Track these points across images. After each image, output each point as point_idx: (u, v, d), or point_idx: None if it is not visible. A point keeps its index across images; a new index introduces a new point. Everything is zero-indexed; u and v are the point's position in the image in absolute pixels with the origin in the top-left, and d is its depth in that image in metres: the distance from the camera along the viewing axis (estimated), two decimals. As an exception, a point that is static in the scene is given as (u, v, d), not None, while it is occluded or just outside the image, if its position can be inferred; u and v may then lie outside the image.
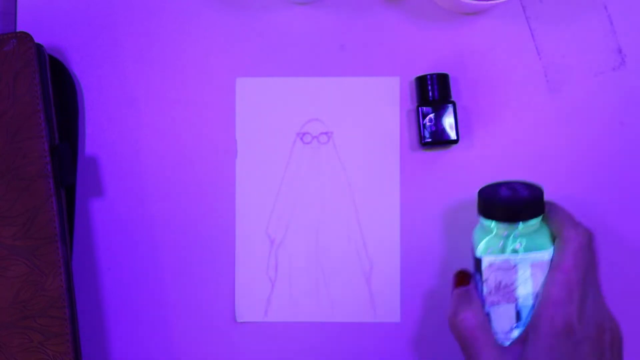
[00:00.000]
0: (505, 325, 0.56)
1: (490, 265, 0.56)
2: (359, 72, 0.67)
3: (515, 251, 0.56)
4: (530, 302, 0.56)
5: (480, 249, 0.57)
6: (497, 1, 0.62)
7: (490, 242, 0.57)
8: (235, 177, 0.66)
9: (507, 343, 0.56)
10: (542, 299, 0.55)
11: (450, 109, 0.65)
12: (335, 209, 0.67)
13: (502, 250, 0.56)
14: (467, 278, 0.59)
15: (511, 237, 0.56)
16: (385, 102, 0.67)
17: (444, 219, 0.67)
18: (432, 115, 0.65)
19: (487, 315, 0.57)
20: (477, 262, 0.57)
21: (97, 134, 0.67)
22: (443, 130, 0.65)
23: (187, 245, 0.67)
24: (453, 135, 0.65)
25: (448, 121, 0.65)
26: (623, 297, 0.66)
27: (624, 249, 0.66)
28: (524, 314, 0.56)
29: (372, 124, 0.67)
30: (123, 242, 0.67)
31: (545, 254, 0.56)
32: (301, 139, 0.67)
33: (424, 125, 0.65)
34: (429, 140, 0.65)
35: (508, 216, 0.55)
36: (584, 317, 0.54)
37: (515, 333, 0.56)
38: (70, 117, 0.66)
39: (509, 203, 0.56)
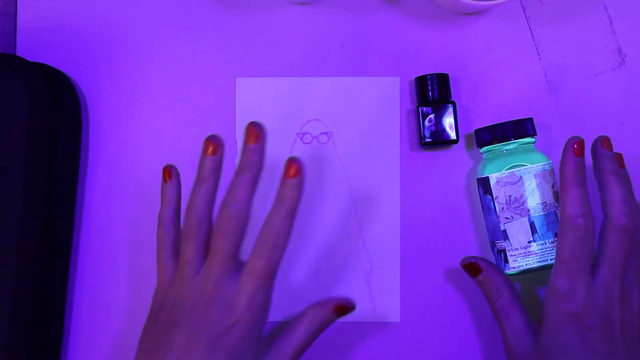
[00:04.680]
0: (523, 240, 0.61)
1: (498, 181, 0.61)
2: (358, 72, 0.67)
3: (517, 166, 0.61)
4: (541, 212, 0.61)
5: (485, 171, 0.63)
6: (497, 1, 0.62)
7: (494, 165, 0.63)
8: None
9: (527, 257, 0.61)
10: (548, 289, 0.57)
11: (450, 109, 0.65)
12: (335, 209, 0.67)
13: (505, 167, 0.62)
14: (478, 267, 0.62)
15: (510, 155, 0.63)
16: (385, 102, 0.67)
17: (444, 219, 0.67)
18: (432, 116, 0.65)
19: (504, 232, 0.61)
20: (485, 183, 0.62)
21: (97, 135, 0.67)
22: (443, 130, 0.65)
23: (187, 245, 0.66)
24: (453, 135, 0.65)
25: (448, 121, 0.65)
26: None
27: (624, 249, 0.66)
28: (538, 225, 0.61)
29: (372, 124, 0.67)
30: (124, 242, 0.67)
31: (546, 165, 0.62)
32: (301, 139, 0.67)
33: (424, 125, 0.65)
34: (429, 140, 0.65)
35: (503, 135, 0.63)
36: (590, 306, 0.56)
37: (534, 246, 0.61)
38: (72, 120, 0.65)
39: (501, 125, 0.63)
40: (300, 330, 0.57)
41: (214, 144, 0.57)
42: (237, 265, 0.56)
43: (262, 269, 0.55)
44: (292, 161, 0.55)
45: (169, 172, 0.60)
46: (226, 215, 0.55)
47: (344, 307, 0.57)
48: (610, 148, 0.59)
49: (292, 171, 0.55)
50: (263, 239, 0.55)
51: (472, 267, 0.62)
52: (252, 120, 0.55)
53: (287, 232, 0.55)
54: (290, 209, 0.55)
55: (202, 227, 0.56)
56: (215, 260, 0.55)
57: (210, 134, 0.57)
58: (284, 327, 0.58)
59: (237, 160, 0.66)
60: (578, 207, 0.57)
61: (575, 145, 0.58)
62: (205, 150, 0.57)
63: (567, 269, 0.56)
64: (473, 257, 0.63)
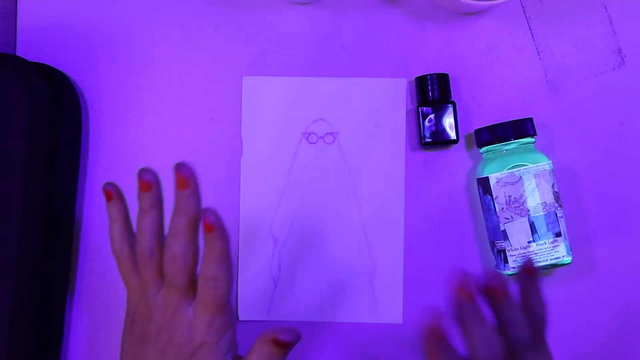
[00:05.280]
0: (523, 240, 0.61)
1: (497, 181, 0.62)
2: (359, 72, 0.67)
3: (516, 166, 0.62)
4: (541, 212, 0.61)
5: (485, 171, 0.63)
6: (497, 1, 0.62)
7: (494, 165, 0.63)
8: (240, 176, 0.66)
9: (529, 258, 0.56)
10: None
11: (450, 109, 0.65)
12: (339, 209, 0.67)
13: (505, 167, 0.62)
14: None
15: (510, 155, 0.63)
16: (391, 103, 0.67)
17: (444, 219, 0.67)
18: (432, 116, 0.65)
19: (504, 232, 0.62)
20: (485, 183, 0.62)
21: (101, 134, 0.67)
22: (443, 130, 0.65)
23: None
24: (453, 135, 0.65)
25: (448, 121, 0.65)
26: (624, 296, 0.66)
27: (624, 249, 0.66)
28: (538, 225, 0.61)
29: (378, 125, 0.67)
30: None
31: (546, 165, 0.62)
32: (307, 138, 0.67)
33: (424, 125, 0.65)
34: (429, 140, 0.65)
35: (503, 135, 0.63)
36: None
37: (534, 246, 0.61)
38: (72, 120, 0.65)
39: (501, 125, 0.63)
40: None
41: (147, 182, 0.55)
42: (193, 293, 0.55)
43: (211, 300, 0.54)
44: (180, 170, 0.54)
45: (109, 194, 0.58)
46: (171, 255, 0.54)
47: (281, 342, 0.54)
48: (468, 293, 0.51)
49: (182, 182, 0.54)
50: (203, 274, 0.54)
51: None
52: (177, 164, 0.54)
53: (225, 264, 0.53)
54: (221, 247, 0.53)
55: (153, 256, 0.56)
56: (170, 290, 0.55)
57: (141, 168, 0.55)
58: None
59: (242, 159, 0.66)
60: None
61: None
62: (139, 188, 0.56)
63: None
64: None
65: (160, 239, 0.56)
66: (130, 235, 0.58)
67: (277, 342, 0.54)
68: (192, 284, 0.55)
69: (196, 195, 0.55)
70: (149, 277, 0.56)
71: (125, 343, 0.57)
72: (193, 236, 0.55)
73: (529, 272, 0.53)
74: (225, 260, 0.54)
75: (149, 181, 0.55)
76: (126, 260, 0.58)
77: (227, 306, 0.55)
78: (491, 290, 0.51)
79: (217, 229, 0.53)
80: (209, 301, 0.54)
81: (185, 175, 0.54)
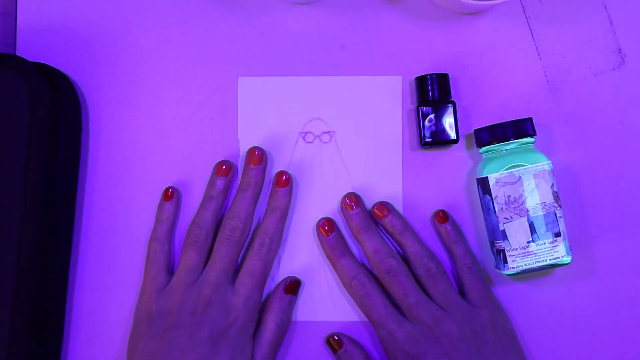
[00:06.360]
0: (522, 240, 0.61)
1: (497, 181, 0.61)
2: (359, 72, 0.67)
3: (516, 166, 0.61)
4: (540, 212, 0.61)
5: (485, 171, 0.62)
6: (497, 1, 0.62)
7: (493, 165, 0.63)
8: (238, 177, 0.66)
9: (526, 257, 0.61)
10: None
11: (450, 109, 0.65)
12: (337, 208, 0.67)
13: (505, 167, 0.62)
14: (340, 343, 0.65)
15: (510, 155, 0.63)
16: (387, 101, 0.67)
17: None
18: (432, 116, 0.65)
19: (503, 232, 0.61)
20: (485, 183, 0.62)
21: (97, 135, 0.67)
22: (443, 130, 0.65)
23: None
24: (453, 135, 0.65)
25: (448, 121, 0.65)
26: (624, 296, 0.66)
27: (624, 249, 0.66)
28: (537, 225, 0.61)
29: (375, 123, 0.67)
30: (125, 242, 0.66)
31: (546, 165, 0.61)
32: (303, 138, 0.67)
33: (424, 125, 0.65)
34: (429, 140, 0.65)
35: (502, 135, 0.63)
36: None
37: (533, 246, 0.61)
38: (72, 120, 0.65)
39: (501, 125, 0.63)
40: (270, 323, 0.63)
41: (227, 166, 0.64)
42: (233, 272, 0.63)
43: (259, 269, 0.62)
44: (282, 172, 0.64)
45: (172, 193, 0.65)
46: (231, 225, 0.63)
47: (291, 285, 0.65)
48: (355, 206, 0.65)
49: (282, 181, 0.64)
50: (259, 241, 0.63)
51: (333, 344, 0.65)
52: (255, 146, 0.65)
53: (280, 235, 0.64)
54: (282, 215, 0.64)
55: (208, 238, 0.63)
56: (215, 265, 0.62)
57: (223, 159, 0.65)
58: (258, 324, 0.63)
59: (240, 159, 0.67)
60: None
61: (326, 227, 0.65)
62: (217, 170, 0.64)
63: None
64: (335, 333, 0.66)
65: (216, 226, 0.65)
66: (170, 239, 0.65)
67: (287, 288, 0.64)
68: (235, 262, 0.63)
69: (263, 174, 0.64)
70: (193, 264, 0.62)
71: (140, 343, 0.60)
72: (252, 212, 0.64)
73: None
74: (284, 221, 0.64)
75: (229, 166, 0.64)
76: (161, 259, 0.64)
77: (266, 280, 0.63)
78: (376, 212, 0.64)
79: (289, 186, 0.64)
80: (258, 266, 0.62)
81: (259, 153, 0.64)
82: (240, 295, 0.61)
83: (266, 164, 0.65)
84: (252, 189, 0.63)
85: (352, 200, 0.64)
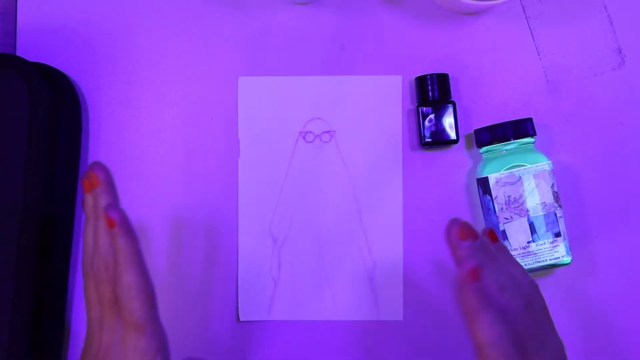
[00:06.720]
0: (522, 240, 0.61)
1: (497, 181, 0.62)
2: (359, 71, 0.67)
3: (516, 166, 0.62)
4: (540, 212, 0.61)
5: (485, 171, 0.63)
6: (497, 1, 0.62)
7: (493, 165, 0.63)
8: (238, 177, 0.66)
9: (527, 257, 0.61)
10: None
11: (450, 109, 0.65)
12: (338, 208, 0.67)
13: (505, 167, 0.62)
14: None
15: (510, 155, 0.63)
16: (387, 101, 0.67)
17: (443, 219, 0.67)
18: (432, 116, 0.65)
19: (503, 232, 0.62)
20: (485, 183, 0.62)
21: (101, 134, 0.67)
22: (443, 130, 0.65)
23: (190, 244, 0.66)
24: (453, 135, 0.65)
25: (448, 121, 0.65)
26: (624, 296, 0.66)
27: (624, 249, 0.66)
28: (537, 225, 0.61)
29: (375, 122, 0.67)
30: (124, 242, 0.66)
31: (546, 165, 0.62)
32: (304, 137, 0.67)
33: (424, 125, 0.65)
34: (429, 140, 0.65)
35: (502, 135, 0.63)
36: None
37: (533, 246, 0.61)
38: (72, 120, 0.65)
39: (501, 125, 0.63)
40: None
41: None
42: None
43: (128, 318, 0.50)
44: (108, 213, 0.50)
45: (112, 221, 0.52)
46: (96, 266, 0.52)
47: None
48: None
49: (110, 223, 0.50)
50: (117, 284, 0.50)
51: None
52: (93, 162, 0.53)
53: (134, 270, 0.50)
54: (127, 247, 0.50)
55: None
56: (103, 308, 0.52)
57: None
58: None
59: (240, 159, 0.67)
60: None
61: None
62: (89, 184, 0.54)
63: None
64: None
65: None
66: None
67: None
68: (117, 299, 0.50)
69: (111, 194, 0.52)
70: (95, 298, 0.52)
71: None
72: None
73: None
74: (134, 265, 0.49)
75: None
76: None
77: (147, 326, 0.50)
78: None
79: (119, 225, 0.49)
80: (127, 319, 0.49)
81: (97, 173, 0.53)
82: (126, 340, 0.50)
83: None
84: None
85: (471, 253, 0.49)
